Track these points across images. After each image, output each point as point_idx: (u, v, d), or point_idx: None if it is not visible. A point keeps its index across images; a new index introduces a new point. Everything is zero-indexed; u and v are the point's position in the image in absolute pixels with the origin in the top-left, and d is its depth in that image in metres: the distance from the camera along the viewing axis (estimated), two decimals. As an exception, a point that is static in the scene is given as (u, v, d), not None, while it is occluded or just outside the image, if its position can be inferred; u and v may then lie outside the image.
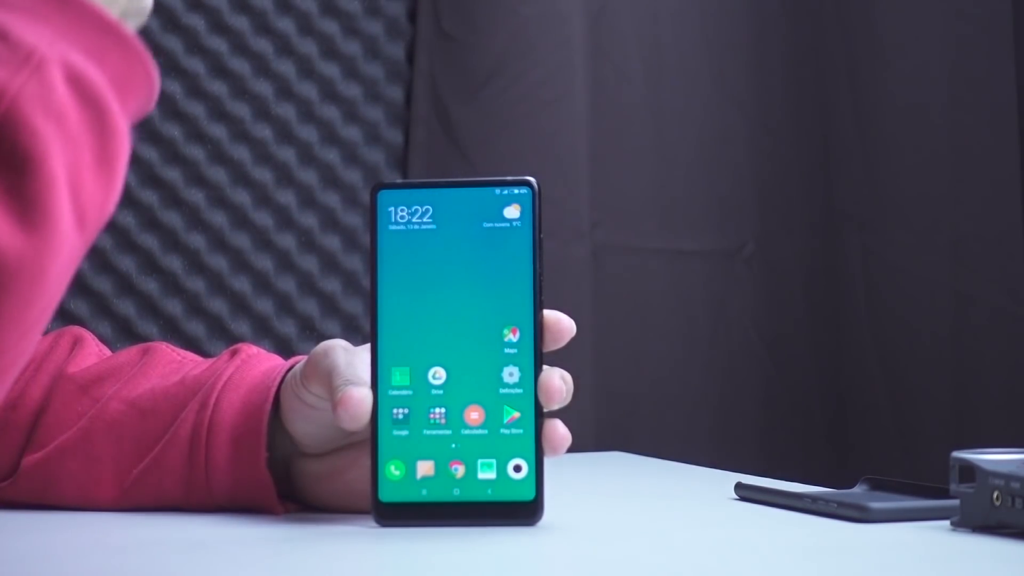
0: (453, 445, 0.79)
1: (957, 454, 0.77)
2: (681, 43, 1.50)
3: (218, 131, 1.36)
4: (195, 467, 0.85)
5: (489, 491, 0.79)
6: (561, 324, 0.81)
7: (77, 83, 0.59)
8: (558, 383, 0.79)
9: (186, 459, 0.86)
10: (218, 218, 1.36)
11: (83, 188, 0.59)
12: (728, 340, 1.51)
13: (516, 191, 0.80)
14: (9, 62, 0.57)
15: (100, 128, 0.60)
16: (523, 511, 0.79)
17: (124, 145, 0.61)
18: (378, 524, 0.79)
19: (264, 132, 1.37)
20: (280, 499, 0.85)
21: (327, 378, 0.80)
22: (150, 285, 1.33)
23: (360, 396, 0.78)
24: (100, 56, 0.60)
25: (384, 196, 0.80)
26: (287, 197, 1.38)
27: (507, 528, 0.79)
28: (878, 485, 0.90)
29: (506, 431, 0.79)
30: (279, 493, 0.85)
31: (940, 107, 1.49)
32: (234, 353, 0.90)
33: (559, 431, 0.80)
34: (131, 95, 0.62)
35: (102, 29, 0.60)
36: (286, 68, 1.38)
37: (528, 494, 0.79)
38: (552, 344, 0.81)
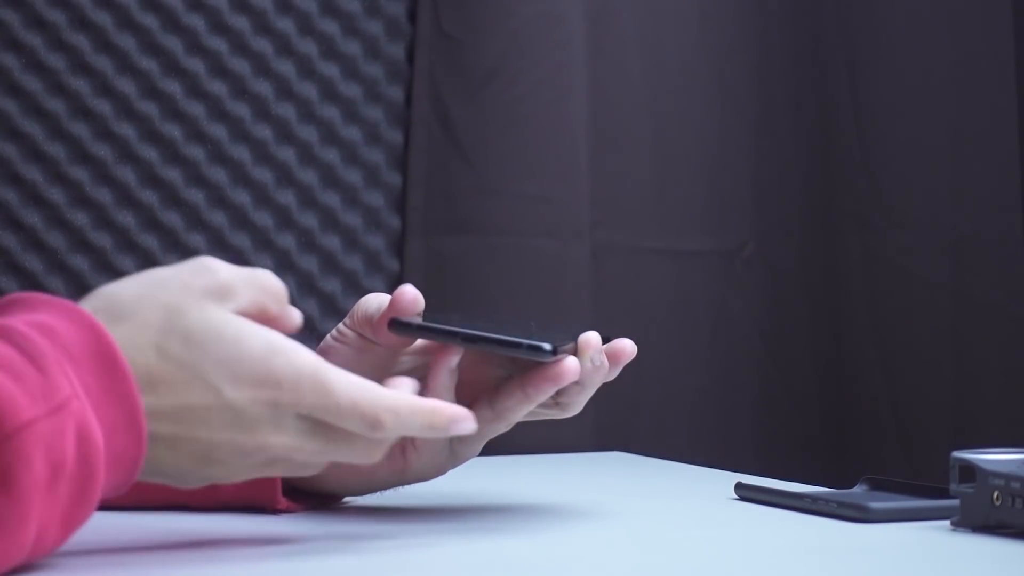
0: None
1: (957, 454, 0.77)
2: (681, 43, 1.50)
3: (218, 131, 1.36)
4: None
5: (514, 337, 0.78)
6: (621, 348, 0.84)
7: (85, 443, 0.62)
8: (597, 340, 0.82)
9: None
10: (218, 218, 1.36)
11: (43, 537, 0.62)
12: (728, 340, 1.51)
13: None
14: (37, 395, 0.60)
15: (81, 498, 0.63)
16: (539, 352, 0.77)
17: (89, 515, 0.64)
18: (392, 330, 0.79)
19: (264, 132, 1.37)
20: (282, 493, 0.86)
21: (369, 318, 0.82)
22: (150, 285, 1.33)
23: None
24: (111, 430, 0.63)
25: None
26: (287, 197, 1.38)
27: (507, 528, 0.79)
28: (878, 485, 0.90)
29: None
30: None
31: (940, 106, 1.49)
32: None
33: (627, 345, 0.84)
34: (116, 474, 0.65)
35: (123, 408, 0.64)
36: (286, 68, 1.38)
37: (547, 349, 0.77)
38: (615, 368, 0.84)
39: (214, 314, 0.67)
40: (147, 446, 0.66)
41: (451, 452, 0.84)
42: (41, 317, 0.64)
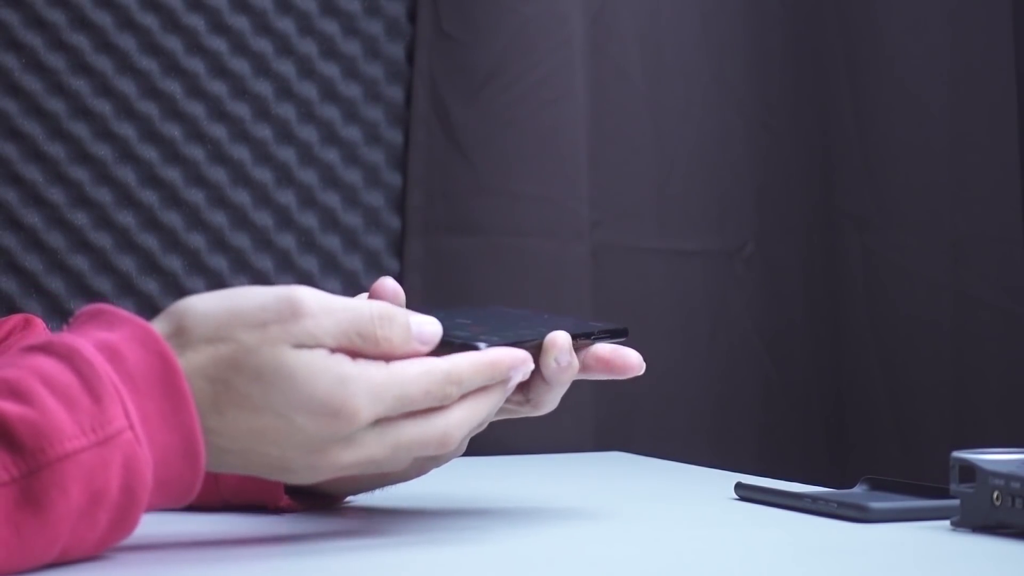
0: None
1: (957, 454, 0.77)
2: (681, 43, 1.50)
3: (218, 131, 1.36)
4: None
5: None
6: (628, 360, 0.83)
7: (131, 474, 0.62)
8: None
9: None
10: (218, 218, 1.36)
11: (70, 553, 0.63)
12: (728, 340, 1.51)
13: None
14: (87, 426, 0.61)
15: (120, 523, 0.64)
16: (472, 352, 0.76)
17: (125, 538, 0.65)
18: None
19: (264, 132, 1.37)
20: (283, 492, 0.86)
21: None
22: (150, 285, 1.33)
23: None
24: (166, 457, 0.64)
25: None
26: (287, 197, 1.38)
27: (507, 528, 0.79)
28: (878, 485, 0.90)
29: None
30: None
31: (940, 107, 1.49)
32: None
33: (635, 361, 0.83)
34: (167, 498, 0.65)
35: (182, 436, 0.64)
36: (286, 68, 1.38)
37: (481, 348, 0.75)
38: (616, 375, 0.83)
39: (287, 357, 0.67)
40: (216, 459, 0.67)
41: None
42: (113, 338, 0.64)
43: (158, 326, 0.67)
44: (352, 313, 0.69)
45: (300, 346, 0.67)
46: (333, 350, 0.68)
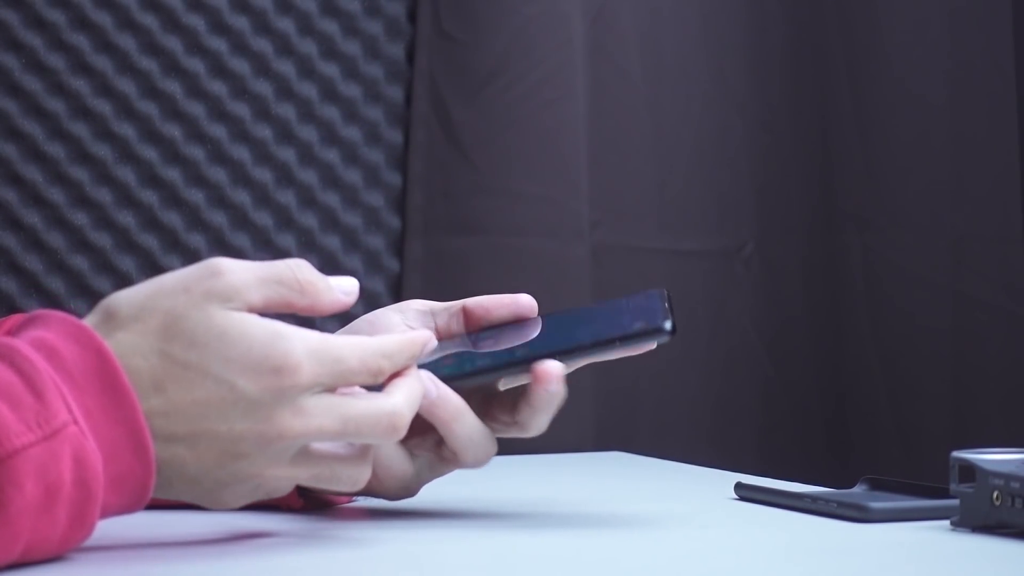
0: None
1: (957, 454, 0.77)
2: (681, 43, 1.50)
3: (218, 131, 1.36)
4: None
5: None
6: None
7: (82, 467, 0.63)
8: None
9: None
10: (218, 218, 1.36)
11: (33, 553, 0.63)
12: (727, 340, 1.51)
13: None
14: (32, 422, 0.62)
15: (79, 519, 0.64)
16: None
17: (88, 535, 0.65)
18: None
19: (264, 132, 1.37)
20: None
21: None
22: (150, 285, 1.33)
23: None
24: (114, 452, 0.64)
25: None
26: (287, 197, 1.38)
27: (506, 527, 0.79)
28: (878, 485, 0.90)
29: None
30: None
31: (940, 106, 1.49)
32: None
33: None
34: (123, 496, 0.66)
35: (127, 431, 0.64)
36: (286, 68, 1.38)
37: None
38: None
39: (216, 315, 0.67)
40: (165, 450, 0.66)
41: (416, 473, 0.84)
42: (48, 336, 0.65)
43: (88, 320, 0.68)
44: (267, 265, 0.70)
45: (226, 303, 0.68)
46: (262, 314, 0.69)
